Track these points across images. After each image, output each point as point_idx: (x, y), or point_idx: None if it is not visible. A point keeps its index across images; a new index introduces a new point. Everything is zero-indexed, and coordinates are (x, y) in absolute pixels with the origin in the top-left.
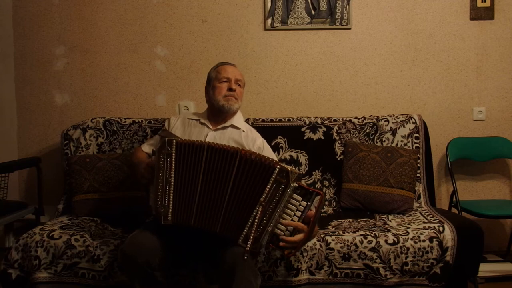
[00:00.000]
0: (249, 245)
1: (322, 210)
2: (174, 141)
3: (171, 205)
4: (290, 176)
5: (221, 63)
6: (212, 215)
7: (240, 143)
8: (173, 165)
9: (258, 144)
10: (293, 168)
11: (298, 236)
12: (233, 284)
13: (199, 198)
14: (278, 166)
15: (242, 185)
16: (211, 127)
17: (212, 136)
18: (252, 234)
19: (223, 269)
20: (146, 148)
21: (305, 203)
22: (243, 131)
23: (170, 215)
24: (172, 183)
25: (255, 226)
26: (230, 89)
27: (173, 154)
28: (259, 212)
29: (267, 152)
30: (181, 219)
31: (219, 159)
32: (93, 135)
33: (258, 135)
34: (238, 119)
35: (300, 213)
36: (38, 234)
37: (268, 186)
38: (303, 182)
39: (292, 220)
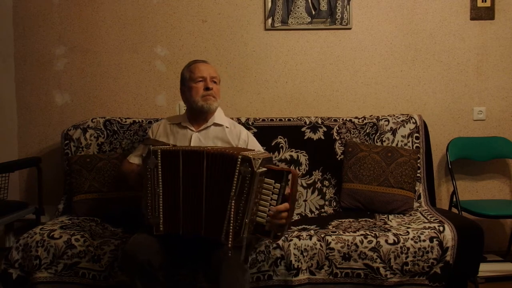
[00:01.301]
0: (230, 241)
1: (322, 210)
2: (159, 150)
3: (161, 215)
4: (254, 163)
5: (193, 62)
6: (195, 219)
7: (226, 140)
8: (160, 174)
9: (243, 137)
10: (257, 152)
11: (283, 215)
12: (219, 282)
13: (183, 205)
14: (240, 156)
15: (214, 183)
16: (193, 128)
17: (197, 137)
18: (231, 230)
19: (211, 268)
20: (133, 159)
21: (279, 184)
22: (227, 127)
23: (161, 226)
24: (161, 194)
25: (232, 221)
26: (207, 88)
27: (159, 163)
28: (232, 206)
29: (252, 144)
30: (172, 228)
31: (192, 162)
32: (94, 135)
33: (242, 128)
34: (219, 116)
35: (277, 195)
36: (38, 234)
37: (235, 178)
38: (273, 164)
39: (270, 204)
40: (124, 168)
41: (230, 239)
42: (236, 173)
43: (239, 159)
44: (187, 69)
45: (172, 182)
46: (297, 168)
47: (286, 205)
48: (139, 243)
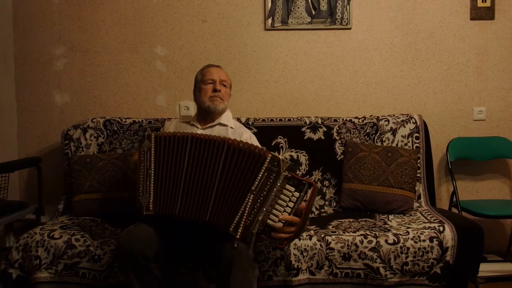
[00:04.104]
0: (239, 233)
1: (322, 210)
2: (153, 134)
3: (151, 196)
4: (282, 165)
5: (206, 66)
6: (200, 204)
7: None
8: (153, 157)
9: (245, 137)
10: (284, 157)
11: (291, 229)
12: (230, 276)
13: (183, 188)
14: (270, 155)
15: (232, 174)
16: (199, 126)
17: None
18: (242, 223)
19: (220, 262)
20: None
21: (298, 194)
22: (231, 127)
23: (151, 206)
24: (153, 175)
25: (245, 214)
26: (215, 90)
27: (152, 146)
28: (250, 200)
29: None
30: (164, 209)
31: (205, 149)
32: (94, 135)
33: (246, 129)
34: (226, 118)
35: (293, 204)
36: (38, 234)
37: (260, 175)
38: (296, 173)
39: (284, 211)
40: (130, 160)
41: (239, 231)
42: (262, 170)
43: (269, 157)
44: (200, 72)
45: (169, 165)
46: (297, 168)
47: (296, 219)
48: (133, 235)
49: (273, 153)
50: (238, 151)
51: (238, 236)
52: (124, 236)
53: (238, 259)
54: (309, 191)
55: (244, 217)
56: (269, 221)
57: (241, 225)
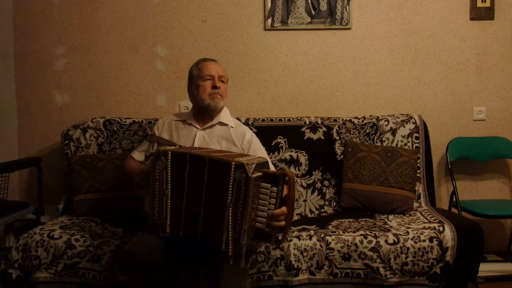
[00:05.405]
0: (230, 249)
1: (322, 210)
2: (170, 152)
3: (168, 217)
4: (248, 169)
5: (201, 60)
6: (193, 223)
7: (230, 140)
8: (169, 176)
9: (247, 138)
10: (251, 158)
11: (280, 223)
12: (220, 285)
13: (185, 208)
14: (234, 162)
15: (212, 189)
16: (198, 126)
17: (201, 135)
18: (230, 238)
19: (214, 271)
20: (137, 155)
21: (276, 188)
22: (232, 126)
23: (168, 228)
24: (169, 195)
25: (230, 229)
26: (214, 87)
27: (169, 165)
28: (230, 214)
29: (256, 146)
30: (176, 230)
31: (196, 167)
32: (94, 135)
33: (247, 129)
34: (225, 116)
35: (274, 199)
36: (38, 234)
37: (230, 185)
38: (271, 167)
39: (268, 209)
40: (128, 167)
41: (231, 247)
42: (231, 180)
43: (233, 166)
44: (195, 67)
45: (178, 184)
46: (297, 168)
47: (283, 209)
48: (141, 243)
49: (237, 159)
50: (214, 164)
51: (230, 253)
52: (131, 243)
53: (228, 268)
54: (286, 181)
55: (230, 232)
56: (257, 224)
57: (230, 240)
